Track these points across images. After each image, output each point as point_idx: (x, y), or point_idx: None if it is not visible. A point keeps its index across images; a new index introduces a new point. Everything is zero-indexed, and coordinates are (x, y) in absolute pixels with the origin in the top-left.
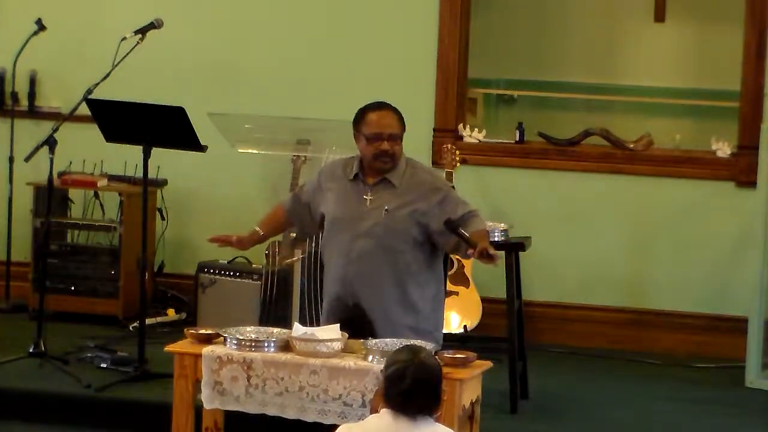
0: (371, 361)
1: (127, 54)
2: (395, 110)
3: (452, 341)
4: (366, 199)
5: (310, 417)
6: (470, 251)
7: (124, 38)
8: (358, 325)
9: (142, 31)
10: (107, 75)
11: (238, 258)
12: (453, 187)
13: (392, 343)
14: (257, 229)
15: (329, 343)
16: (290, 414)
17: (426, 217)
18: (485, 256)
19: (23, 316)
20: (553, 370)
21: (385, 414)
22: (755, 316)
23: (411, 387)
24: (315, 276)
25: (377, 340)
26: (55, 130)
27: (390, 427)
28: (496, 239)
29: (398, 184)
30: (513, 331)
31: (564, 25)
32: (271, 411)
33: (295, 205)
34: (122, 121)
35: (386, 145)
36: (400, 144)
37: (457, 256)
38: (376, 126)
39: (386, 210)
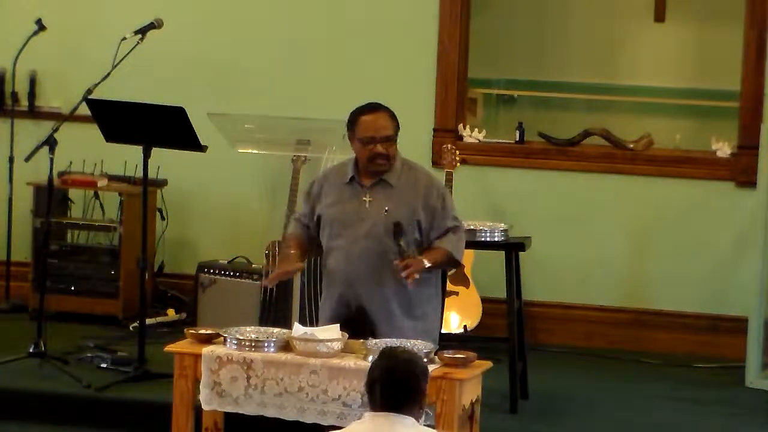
0: (371, 361)
1: (127, 54)
2: (388, 111)
3: (452, 341)
4: (365, 200)
5: (309, 418)
6: (396, 261)
7: (124, 38)
8: (360, 326)
9: (142, 31)
10: (107, 75)
11: (238, 258)
12: (450, 192)
13: (392, 344)
14: (292, 251)
15: (329, 343)
16: (289, 415)
17: (421, 218)
18: (403, 270)
19: (23, 316)
20: (553, 370)
21: (365, 416)
22: (755, 316)
23: (377, 379)
24: (315, 276)
25: (377, 340)
26: (55, 130)
27: (368, 428)
28: (496, 239)
29: (395, 184)
30: (513, 331)
31: (564, 25)
32: (270, 412)
33: (301, 230)
34: (122, 121)
35: (380, 147)
36: (395, 144)
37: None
38: (369, 129)
39: (386, 211)
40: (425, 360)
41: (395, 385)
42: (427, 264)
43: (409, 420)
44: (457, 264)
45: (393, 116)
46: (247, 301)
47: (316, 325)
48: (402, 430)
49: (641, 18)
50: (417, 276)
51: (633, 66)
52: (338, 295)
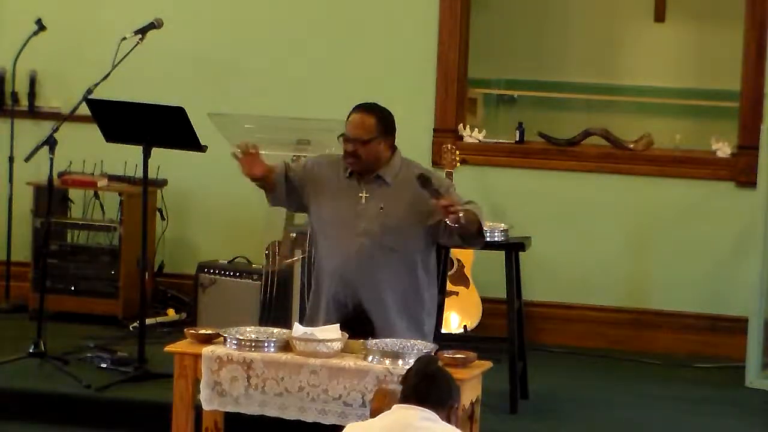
0: (371, 361)
1: (127, 54)
2: (374, 114)
3: (452, 341)
4: (361, 197)
5: (310, 417)
6: (434, 201)
7: (124, 38)
8: (357, 324)
9: (142, 31)
10: (107, 75)
11: (238, 258)
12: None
13: (392, 344)
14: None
15: (329, 343)
16: (290, 414)
17: (421, 209)
18: (446, 209)
19: (23, 316)
20: (553, 370)
21: (393, 408)
22: (755, 316)
23: (412, 369)
24: None
25: (377, 340)
26: (55, 130)
27: (392, 419)
28: (496, 239)
29: (391, 182)
30: (513, 331)
31: (564, 25)
32: (271, 412)
33: (282, 173)
34: (122, 121)
35: (350, 146)
36: (371, 147)
37: (456, 250)
38: (348, 127)
39: (381, 209)
40: None
41: (427, 376)
42: (461, 211)
43: (433, 414)
44: (480, 233)
45: (379, 120)
46: (247, 301)
47: (307, 322)
48: (420, 421)
49: (641, 18)
50: (461, 214)
51: (633, 66)
52: (333, 293)
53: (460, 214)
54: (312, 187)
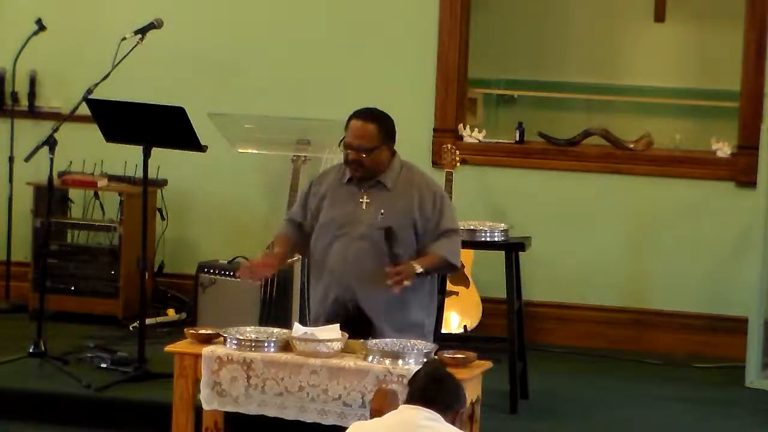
0: (371, 361)
1: (127, 54)
2: (377, 121)
3: (452, 341)
4: (361, 202)
5: (309, 417)
6: (387, 268)
7: (124, 38)
8: (357, 325)
9: (142, 31)
10: (107, 75)
11: (238, 258)
12: (450, 192)
13: (392, 344)
14: (277, 249)
15: (329, 343)
16: (290, 414)
17: (416, 221)
18: (392, 278)
19: (23, 316)
20: (553, 370)
21: (400, 407)
22: (755, 316)
23: (421, 371)
24: None
25: (377, 340)
26: (55, 130)
27: (400, 417)
28: (496, 239)
29: (391, 187)
30: (513, 331)
31: (564, 25)
32: (271, 412)
33: (292, 230)
34: (122, 121)
35: (353, 154)
36: (375, 155)
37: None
38: (349, 135)
39: (381, 213)
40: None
41: (436, 380)
42: (419, 269)
43: (437, 416)
44: (454, 268)
45: (381, 128)
46: (247, 301)
47: (309, 324)
48: (425, 421)
49: (641, 18)
50: (407, 283)
51: (633, 66)
52: (334, 297)
53: (406, 283)
54: (315, 207)
